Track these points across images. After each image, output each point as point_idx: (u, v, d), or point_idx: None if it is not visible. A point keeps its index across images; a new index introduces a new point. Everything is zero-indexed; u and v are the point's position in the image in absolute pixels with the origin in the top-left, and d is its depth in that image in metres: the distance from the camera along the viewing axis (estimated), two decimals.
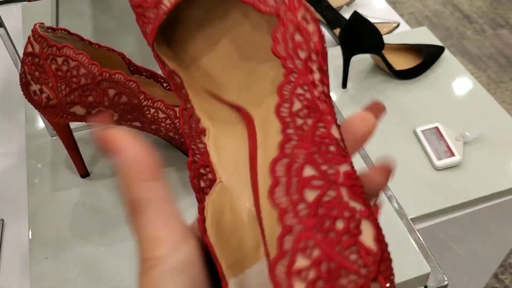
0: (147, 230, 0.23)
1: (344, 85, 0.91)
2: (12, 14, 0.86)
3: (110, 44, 0.54)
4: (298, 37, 0.24)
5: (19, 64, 0.58)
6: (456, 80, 0.93)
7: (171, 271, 0.21)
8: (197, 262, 0.22)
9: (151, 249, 0.22)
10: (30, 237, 0.56)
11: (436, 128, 0.83)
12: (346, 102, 0.89)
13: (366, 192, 0.22)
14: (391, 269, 0.21)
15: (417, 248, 0.55)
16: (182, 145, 0.60)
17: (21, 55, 0.57)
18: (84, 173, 0.61)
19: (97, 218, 0.58)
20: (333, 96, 0.78)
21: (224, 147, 0.26)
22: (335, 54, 0.91)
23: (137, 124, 0.54)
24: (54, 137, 0.66)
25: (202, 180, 0.26)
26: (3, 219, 0.60)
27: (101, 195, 0.60)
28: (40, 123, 0.67)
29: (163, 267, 0.21)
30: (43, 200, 0.59)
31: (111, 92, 0.49)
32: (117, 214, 0.58)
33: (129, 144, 0.23)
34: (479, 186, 0.77)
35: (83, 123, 0.61)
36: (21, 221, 0.60)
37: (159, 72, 0.59)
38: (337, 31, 0.98)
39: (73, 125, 0.57)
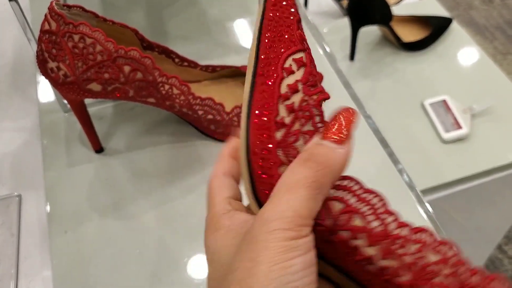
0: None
1: (352, 57, 0.91)
2: None
3: (119, 19, 0.54)
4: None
5: (32, 38, 0.58)
6: (463, 52, 0.93)
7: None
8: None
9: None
10: (48, 211, 0.57)
11: (444, 101, 0.83)
12: (354, 74, 0.89)
13: None
14: None
15: (427, 219, 0.57)
16: (195, 121, 0.60)
17: (32, 30, 0.58)
18: (99, 149, 0.62)
19: (113, 193, 0.59)
20: (341, 67, 0.78)
21: None
22: (341, 26, 0.91)
23: (152, 100, 0.54)
24: (67, 113, 0.66)
25: None
26: (20, 195, 0.61)
27: (116, 170, 0.61)
28: (53, 99, 0.68)
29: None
30: (59, 176, 0.60)
31: (127, 68, 0.49)
32: (133, 189, 0.59)
33: None
34: (486, 158, 0.77)
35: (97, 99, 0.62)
36: (38, 197, 0.61)
37: (171, 48, 0.59)
38: (344, 2, 0.98)
39: (87, 100, 0.57)
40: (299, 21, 0.30)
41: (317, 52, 0.78)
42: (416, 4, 1.04)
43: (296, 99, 0.28)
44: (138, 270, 0.53)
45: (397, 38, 0.90)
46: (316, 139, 0.27)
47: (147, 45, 0.57)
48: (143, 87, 0.52)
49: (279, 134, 0.27)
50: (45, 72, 0.49)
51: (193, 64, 0.61)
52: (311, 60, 0.29)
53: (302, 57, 0.29)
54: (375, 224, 0.26)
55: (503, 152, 0.78)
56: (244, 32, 0.80)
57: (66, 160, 0.62)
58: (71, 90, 0.50)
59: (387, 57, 0.92)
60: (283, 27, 0.30)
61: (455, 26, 0.96)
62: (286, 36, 0.29)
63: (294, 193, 0.25)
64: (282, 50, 0.29)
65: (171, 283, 0.52)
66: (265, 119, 0.27)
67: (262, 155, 0.27)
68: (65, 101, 0.64)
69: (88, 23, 0.47)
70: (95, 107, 0.66)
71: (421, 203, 0.59)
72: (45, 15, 0.47)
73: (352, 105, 0.67)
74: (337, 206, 0.27)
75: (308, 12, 0.92)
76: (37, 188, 0.62)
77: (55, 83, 0.50)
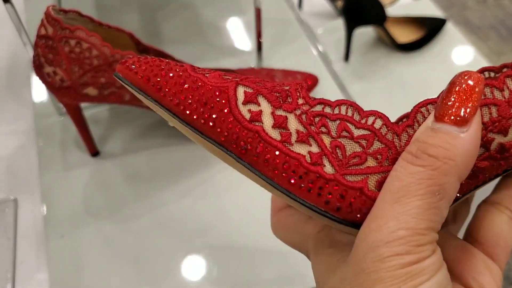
0: None
1: (346, 58, 0.91)
2: None
3: (113, 22, 0.54)
4: None
5: (27, 41, 0.58)
6: (458, 52, 0.93)
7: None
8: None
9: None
10: (45, 216, 0.57)
11: None
12: (349, 75, 0.89)
13: None
14: None
15: None
16: None
17: (27, 32, 0.57)
18: (94, 152, 0.62)
19: (108, 197, 0.59)
20: (336, 69, 0.78)
21: None
22: (336, 27, 0.91)
23: None
24: (62, 116, 0.66)
25: None
26: (16, 198, 0.61)
27: (112, 173, 0.61)
28: (48, 102, 0.68)
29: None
30: (55, 180, 0.60)
31: None
32: (128, 193, 0.59)
33: None
34: None
35: None
36: (34, 201, 0.61)
37: (166, 50, 0.59)
38: (339, 3, 0.98)
39: (82, 104, 0.57)
40: (192, 68, 0.27)
41: (311, 53, 0.79)
42: (411, 4, 1.04)
43: (293, 124, 0.24)
44: (134, 273, 0.53)
45: (392, 39, 0.90)
46: (428, 123, 0.21)
47: (143, 49, 0.57)
48: None
49: (329, 168, 0.23)
50: (42, 77, 0.49)
51: None
52: (254, 81, 0.26)
53: (245, 90, 0.25)
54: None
55: None
56: (238, 34, 0.80)
57: (61, 163, 0.62)
58: (68, 94, 0.50)
59: (382, 58, 0.92)
60: (191, 94, 0.25)
61: (449, 26, 0.96)
62: (211, 104, 0.25)
63: (405, 204, 0.20)
64: (226, 111, 0.25)
65: (167, 286, 0.52)
66: (297, 176, 0.23)
67: (336, 198, 0.23)
68: (60, 104, 0.63)
69: (84, 27, 0.47)
70: (91, 111, 0.66)
71: None
72: (42, 20, 0.46)
73: None
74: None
75: (302, 13, 0.92)
76: (33, 191, 0.61)
77: (51, 88, 0.50)
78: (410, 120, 0.23)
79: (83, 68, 0.48)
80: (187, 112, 0.25)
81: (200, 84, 0.25)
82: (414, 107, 0.24)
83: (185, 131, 0.26)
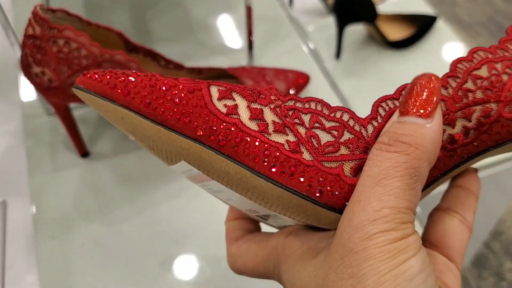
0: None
1: (337, 55, 0.91)
2: None
3: (102, 20, 0.53)
4: None
5: (14, 41, 0.57)
6: (449, 49, 0.94)
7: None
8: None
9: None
10: (34, 218, 0.56)
11: None
12: (340, 73, 0.89)
13: None
14: None
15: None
16: None
17: (15, 32, 0.57)
18: (84, 153, 0.61)
19: (99, 198, 0.58)
20: (327, 66, 0.78)
21: None
22: (327, 24, 0.91)
23: None
24: (51, 117, 0.65)
25: None
26: (5, 200, 0.60)
27: (102, 175, 0.60)
28: (37, 102, 0.67)
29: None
30: (44, 181, 0.60)
31: None
32: (119, 194, 0.58)
33: None
34: None
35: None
36: (23, 202, 0.60)
37: (156, 49, 0.59)
38: (329, 1, 0.98)
39: (72, 104, 0.56)
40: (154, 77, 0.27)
41: (302, 51, 0.78)
42: (401, 2, 1.04)
43: (268, 116, 0.25)
44: (126, 274, 0.52)
45: (383, 37, 0.90)
46: (395, 117, 0.23)
47: (132, 48, 0.56)
48: None
49: (307, 155, 0.24)
50: (30, 77, 0.48)
51: (179, 66, 0.61)
52: (225, 83, 0.26)
53: (219, 88, 0.25)
54: None
55: None
56: (229, 32, 0.80)
57: (51, 164, 0.61)
58: (56, 95, 0.49)
59: (373, 55, 0.92)
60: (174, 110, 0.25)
61: (440, 23, 0.96)
62: (185, 101, 0.25)
63: (386, 185, 0.21)
64: (202, 106, 0.25)
65: (159, 287, 0.52)
66: (278, 163, 0.24)
67: (317, 182, 0.24)
68: (49, 105, 0.63)
69: (73, 27, 0.46)
70: (80, 111, 0.65)
71: None
72: (29, 20, 0.46)
73: (338, 104, 0.67)
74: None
75: (293, 10, 0.92)
76: (22, 193, 0.61)
77: (40, 88, 0.49)
78: (373, 114, 0.25)
79: (72, 68, 0.47)
80: (161, 110, 0.25)
81: (171, 85, 0.25)
82: (375, 102, 0.26)
83: (151, 139, 0.26)
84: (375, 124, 0.25)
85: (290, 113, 0.25)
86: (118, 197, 0.58)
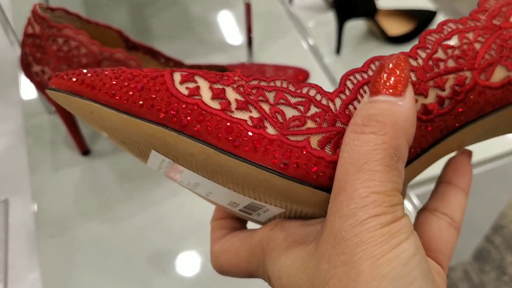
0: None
1: (338, 51, 0.91)
2: None
3: (102, 18, 0.53)
4: None
5: (14, 40, 0.57)
6: None
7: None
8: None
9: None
10: (36, 216, 0.57)
11: None
12: (340, 68, 0.89)
13: None
14: None
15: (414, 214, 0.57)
16: None
17: (14, 31, 0.57)
18: (85, 151, 0.61)
19: (100, 196, 0.58)
20: (327, 62, 0.78)
21: None
22: (327, 20, 0.91)
23: None
24: (52, 115, 0.66)
25: None
26: (7, 199, 0.60)
27: (102, 172, 0.60)
28: (37, 101, 0.67)
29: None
30: (45, 179, 0.60)
31: None
32: (120, 191, 0.59)
33: None
34: (474, 151, 0.78)
35: None
36: (24, 201, 0.60)
37: (156, 47, 0.59)
38: None
39: None
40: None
41: (302, 47, 0.78)
42: None
43: (231, 94, 0.25)
44: (127, 272, 0.52)
45: (383, 32, 0.90)
46: (366, 98, 0.22)
47: (132, 46, 0.56)
48: None
49: (271, 130, 0.24)
50: (30, 76, 0.48)
51: (178, 64, 0.61)
52: (189, 70, 0.26)
53: (181, 73, 0.25)
54: None
55: (489, 145, 0.78)
56: (228, 29, 0.79)
57: (52, 163, 0.61)
58: None
59: (373, 50, 0.92)
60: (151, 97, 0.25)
61: (440, 18, 0.96)
62: (147, 88, 0.25)
63: (369, 170, 0.20)
64: (164, 91, 0.25)
65: (160, 285, 0.52)
66: (241, 138, 0.24)
67: (281, 155, 0.23)
68: (50, 103, 0.63)
69: (72, 25, 0.46)
70: None
71: (408, 198, 0.59)
72: (29, 19, 0.46)
73: None
74: None
75: (292, 6, 0.92)
76: (23, 192, 0.61)
77: (40, 87, 0.49)
78: (341, 87, 0.25)
79: (72, 67, 0.47)
80: (125, 99, 0.25)
81: (135, 74, 0.26)
82: (343, 76, 0.25)
83: (120, 131, 0.26)
84: (343, 97, 0.25)
85: (254, 91, 0.25)
86: (119, 194, 0.58)
